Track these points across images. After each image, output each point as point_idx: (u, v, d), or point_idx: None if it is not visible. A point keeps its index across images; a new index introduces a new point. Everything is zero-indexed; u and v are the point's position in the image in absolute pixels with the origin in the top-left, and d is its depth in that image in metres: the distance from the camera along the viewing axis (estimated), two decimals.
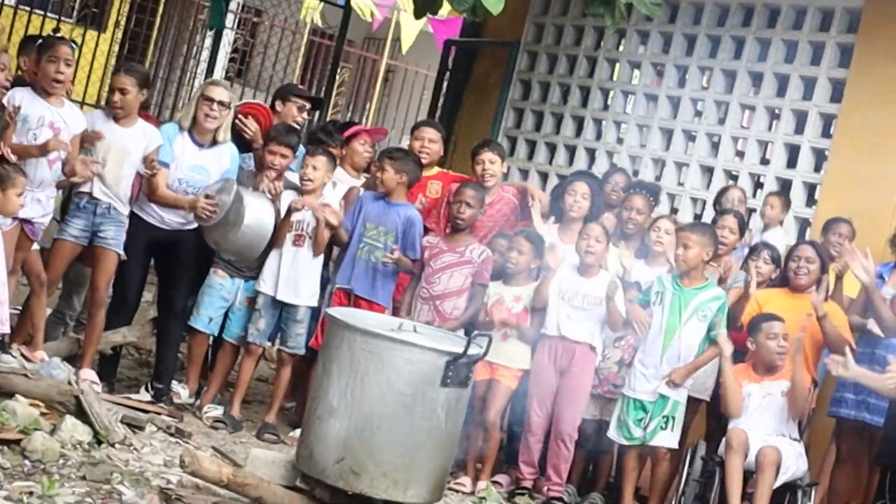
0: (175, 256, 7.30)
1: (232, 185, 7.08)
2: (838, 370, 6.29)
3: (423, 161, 7.69)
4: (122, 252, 7.00)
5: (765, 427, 6.71)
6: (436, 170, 8.02)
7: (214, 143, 7.24)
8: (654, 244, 7.36)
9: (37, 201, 6.52)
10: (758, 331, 6.85)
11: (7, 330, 6.38)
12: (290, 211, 7.14)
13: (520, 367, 7.14)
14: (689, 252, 6.90)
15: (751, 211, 8.32)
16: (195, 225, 7.20)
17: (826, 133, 8.43)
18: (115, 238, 6.96)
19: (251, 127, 7.59)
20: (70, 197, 6.98)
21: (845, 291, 7.23)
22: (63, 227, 6.96)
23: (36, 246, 6.85)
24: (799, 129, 8.55)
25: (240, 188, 7.11)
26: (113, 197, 6.92)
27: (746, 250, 7.62)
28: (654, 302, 6.99)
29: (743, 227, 7.61)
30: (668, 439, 6.90)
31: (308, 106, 8.02)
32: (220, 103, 7.15)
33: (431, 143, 7.88)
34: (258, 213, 7.02)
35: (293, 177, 7.42)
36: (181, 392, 7.30)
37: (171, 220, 7.20)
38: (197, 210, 7.02)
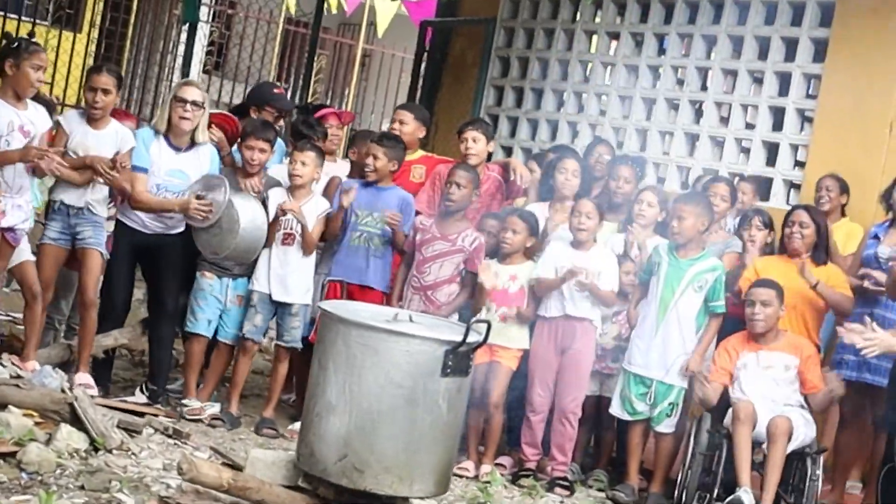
0: (160, 261, 7.10)
1: (220, 181, 6.87)
2: (854, 338, 5.91)
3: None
4: (104, 251, 6.83)
5: (769, 397, 6.53)
6: (419, 153, 7.80)
7: (192, 145, 6.99)
8: (636, 217, 7.18)
9: (17, 207, 6.37)
10: (747, 297, 6.68)
11: None
12: (279, 211, 6.95)
13: (519, 347, 6.96)
14: (683, 223, 6.74)
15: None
16: (179, 229, 7.00)
17: (810, 94, 8.24)
18: (94, 237, 6.79)
19: (215, 135, 7.34)
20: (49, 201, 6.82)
21: (849, 248, 7.09)
22: (44, 230, 6.82)
23: (31, 257, 6.74)
24: (783, 91, 8.36)
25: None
26: (87, 201, 6.75)
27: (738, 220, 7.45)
28: (654, 272, 6.84)
29: (735, 194, 7.42)
30: (670, 426, 6.83)
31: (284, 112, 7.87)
32: (194, 103, 6.90)
33: (402, 124, 7.64)
34: (251, 215, 6.83)
35: (279, 173, 7.20)
36: (193, 404, 7.02)
37: (153, 224, 6.99)
38: (190, 212, 6.78)
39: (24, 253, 6.73)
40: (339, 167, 7.69)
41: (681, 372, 6.75)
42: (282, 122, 7.87)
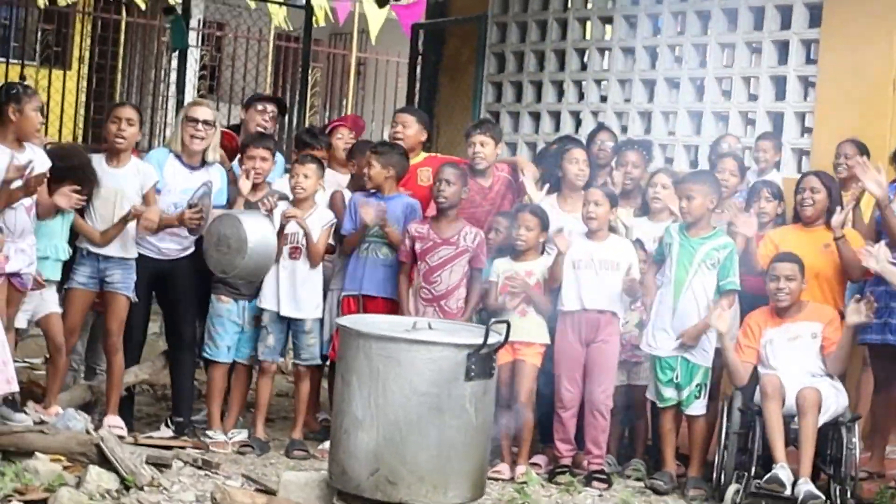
0: (176, 286, 7.16)
1: (210, 186, 6.96)
2: (870, 262, 6.33)
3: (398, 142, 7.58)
4: (132, 295, 6.87)
5: (798, 369, 6.56)
6: (422, 155, 7.82)
7: (204, 163, 7.10)
8: (651, 200, 7.21)
9: (20, 251, 6.34)
10: (769, 272, 6.70)
11: (16, 388, 6.23)
12: (282, 224, 6.97)
13: (541, 342, 6.98)
14: (692, 203, 6.77)
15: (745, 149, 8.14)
16: (192, 250, 7.08)
17: (810, 59, 8.25)
18: (122, 282, 6.84)
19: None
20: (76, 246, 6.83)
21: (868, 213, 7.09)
22: (71, 275, 6.83)
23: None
24: (782, 59, 8.36)
25: (234, 211, 6.96)
26: (115, 248, 6.80)
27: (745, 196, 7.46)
28: (666, 253, 6.88)
29: (743, 169, 7.44)
30: (701, 407, 6.83)
31: (272, 109, 7.89)
32: (206, 122, 7.03)
33: (405, 127, 7.66)
34: (260, 233, 6.83)
35: (282, 186, 7.24)
36: (218, 437, 7.06)
37: (167, 248, 7.06)
38: (185, 222, 6.88)
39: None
40: (347, 178, 7.73)
41: (679, 343, 6.76)
42: (269, 117, 7.84)
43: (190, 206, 6.88)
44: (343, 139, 7.86)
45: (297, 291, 7.06)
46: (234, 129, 8.05)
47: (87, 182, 6.64)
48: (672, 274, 6.82)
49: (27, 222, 6.38)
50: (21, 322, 6.59)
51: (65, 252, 6.69)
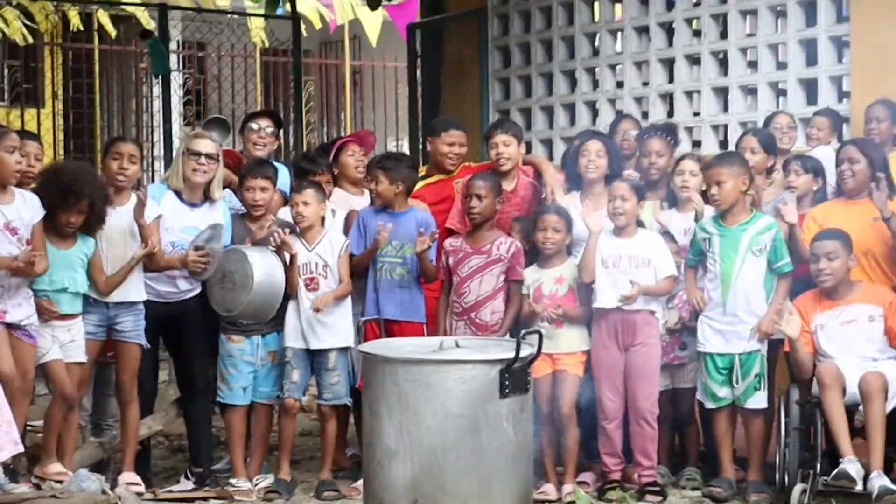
0: (183, 330, 7.27)
1: (221, 230, 7.06)
2: None
3: (450, 167, 7.80)
4: (144, 342, 6.98)
5: (855, 354, 6.63)
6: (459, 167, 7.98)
7: (206, 199, 7.22)
8: (680, 190, 7.30)
9: (17, 305, 6.46)
10: (811, 251, 6.78)
11: (20, 449, 6.32)
12: (293, 257, 7.08)
13: (582, 350, 7.08)
14: (723, 188, 6.85)
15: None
16: (195, 292, 7.19)
17: (841, 17, 8.30)
18: (134, 329, 6.95)
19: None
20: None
21: None
22: None
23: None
24: (811, 20, 8.41)
25: (240, 246, 7.08)
26: (123, 292, 6.89)
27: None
28: (705, 250, 6.94)
29: (768, 145, 7.48)
30: (761, 399, 6.89)
31: (267, 124, 8.00)
32: (208, 156, 7.14)
33: (461, 147, 7.87)
34: (266, 269, 6.95)
35: (287, 215, 7.38)
36: (242, 486, 7.17)
37: (166, 291, 7.17)
38: (189, 265, 6.99)
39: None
40: (366, 200, 7.78)
41: (752, 336, 6.83)
42: (267, 132, 7.96)
43: (196, 249, 7.00)
44: (354, 156, 7.88)
45: (320, 322, 7.13)
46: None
47: (83, 197, 6.64)
48: (717, 269, 6.89)
49: (18, 278, 6.49)
50: (56, 353, 6.66)
51: (83, 284, 6.74)
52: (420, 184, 7.77)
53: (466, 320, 7.15)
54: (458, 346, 5.59)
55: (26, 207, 6.54)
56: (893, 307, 6.68)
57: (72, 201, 6.59)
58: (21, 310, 6.45)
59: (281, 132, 8.51)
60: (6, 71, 15.98)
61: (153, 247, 6.81)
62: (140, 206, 6.79)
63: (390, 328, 7.18)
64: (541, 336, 5.56)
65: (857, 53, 8.13)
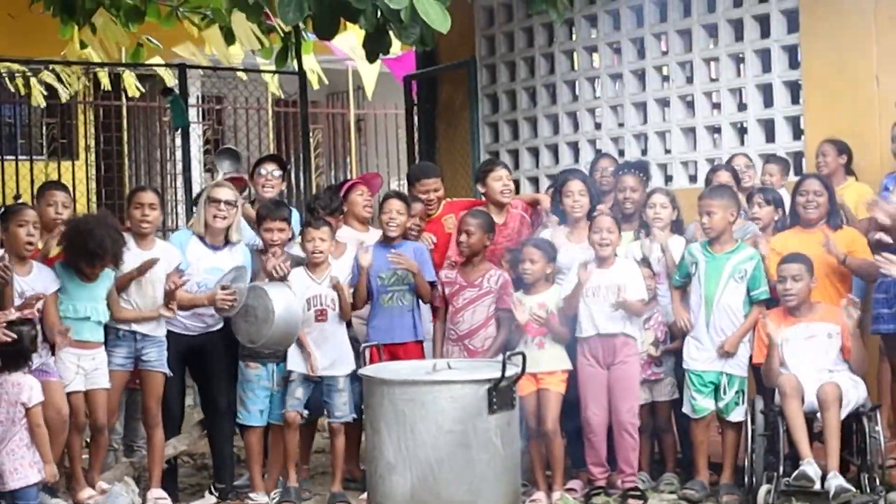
0: (207, 359, 7.37)
1: (244, 271, 7.18)
2: (892, 270, 6.49)
3: (429, 212, 8.00)
4: (167, 370, 7.08)
5: (814, 367, 6.73)
6: (441, 205, 8.14)
7: (227, 243, 7.34)
8: (652, 221, 7.40)
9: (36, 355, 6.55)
10: (778, 274, 6.89)
11: (40, 477, 6.32)
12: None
13: (563, 369, 7.16)
14: (714, 218, 7.00)
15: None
16: (219, 326, 7.31)
17: (794, 64, 8.44)
18: (158, 359, 7.05)
19: None
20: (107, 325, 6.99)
21: (862, 213, 7.26)
22: (108, 357, 6.97)
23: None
24: (766, 67, 8.56)
25: (260, 283, 7.19)
26: (150, 326, 7.02)
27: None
28: (691, 273, 7.09)
29: (738, 179, 7.64)
30: (740, 413, 7.00)
31: (272, 168, 8.08)
32: (227, 203, 7.27)
33: (436, 192, 8.07)
34: (285, 302, 7.05)
35: (295, 249, 7.49)
36: (261, 499, 7.27)
37: (194, 325, 7.28)
38: (217, 303, 7.09)
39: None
40: (371, 236, 7.90)
41: (718, 353, 6.97)
42: (276, 175, 8.03)
43: (223, 289, 7.11)
44: (363, 196, 8.03)
45: (329, 351, 7.25)
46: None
47: (107, 255, 6.73)
48: (702, 291, 7.03)
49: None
50: (77, 385, 6.74)
51: (105, 314, 6.82)
52: None
53: (461, 346, 7.28)
54: (449, 367, 5.70)
55: (40, 280, 6.66)
56: (846, 328, 6.79)
57: (96, 262, 6.73)
58: (37, 357, 6.52)
59: (291, 175, 8.59)
60: (45, 129, 16.09)
61: (173, 314, 6.96)
62: (149, 264, 6.90)
63: (393, 351, 7.26)
64: (524, 357, 5.66)
65: (809, 96, 8.26)
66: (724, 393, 6.99)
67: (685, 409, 7.17)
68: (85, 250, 6.70)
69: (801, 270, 6.80)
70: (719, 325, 6.99)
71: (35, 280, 6.64)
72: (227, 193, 7.32)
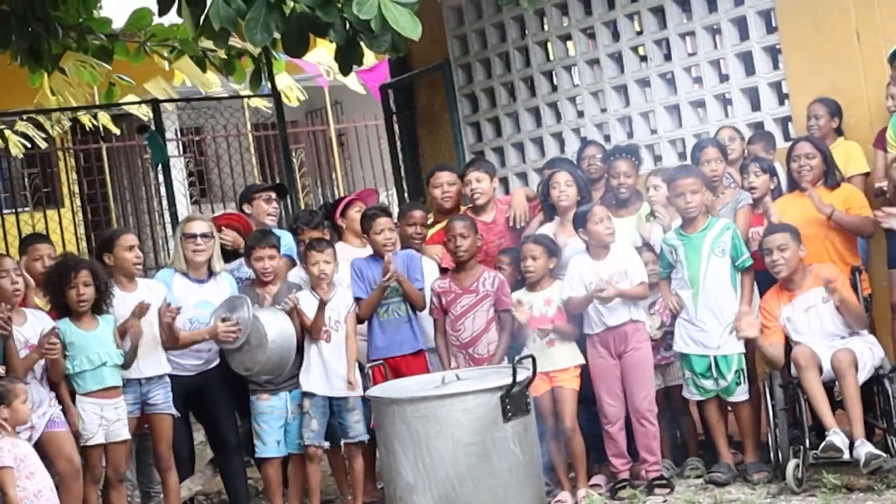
0: (208, 398, 7.26)
1: (241, 299, 7.05)
2: (892, 222, 6.47)
3: (447, 206, 7.85)
4: (174, 412, 6.95)
5: (823, 336, 6.62)
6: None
7: (210, 275, 7.23)
8: (652, 203, 7.31)
9: (42, 415, 6.41)
10: (763, 246, 6.79)
11: None
12: (320, 307, 7.01)
13: (575, 365, 7.05)
14: (696, 197, 6.90)
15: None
16: (216, 363, 7.18)
17: (770, 29, 8.30)
18: (165, 401, 6.93)
19: (228, 237, 7.61)
20: None
21: (851, 169, 7.09)
22: None
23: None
24: (744, 35, 8.42)
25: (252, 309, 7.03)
26: (154, 366, 6.88)
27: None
28: (672, 261, 6.97)
29: (725, 153, 7.49)
30: (743, 393, 6.89)
31: (274, 196, 8.05)
32: (203, 235, 7.16)
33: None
34: (278, 327, 6.93)
35: (296, 275, 7.39)
36: None
37: (190, 364, 7.14)
38: (220, 336, 6.96)
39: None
40: (369, 251, 7.70)
41: (734, 337, 6.82)
42: (276, 204, 8.03)
43: (223, 321, 6.97)
44: (360, 212, 7.87)
45: (337, 371, 7.10)
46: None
47: (82, 266, 6.63)
48: (686, 275, 6.92)
49: (45, 392, 6.47)
50: (99, 438, 6.59)
51: (119, 356, 6.65)
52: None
53: (465, 354, 7.13)
54: (458, 378, 5.56)
55: (38, 322, 6.56)
56: (836, 281, 6.62)
57: (73, 275, 6.55)
58: (40, 409, 6.40)
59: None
60: (26, 179, 15.97)
61: (172, 313, 6.80)
62: (140, 312, 6.73)
63: (397, 366, 7.11)
64: (534, 360, 5.52)
65: (790, 59, 8.11)
66: (722, 375, 6.84)
67: (685, 394, 7.07)
68: (58, 268, 6.65)
69: (786, 240, 6.69)
70: (708, 304, 6.87)
71: (34, 325, 6.51)
72: (201, 227, 7.21)
